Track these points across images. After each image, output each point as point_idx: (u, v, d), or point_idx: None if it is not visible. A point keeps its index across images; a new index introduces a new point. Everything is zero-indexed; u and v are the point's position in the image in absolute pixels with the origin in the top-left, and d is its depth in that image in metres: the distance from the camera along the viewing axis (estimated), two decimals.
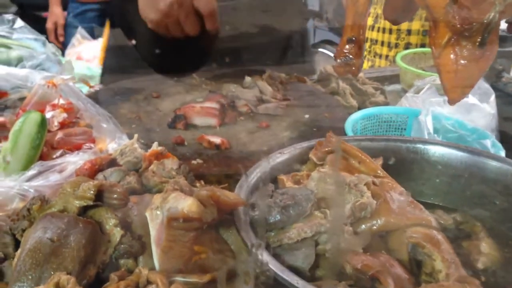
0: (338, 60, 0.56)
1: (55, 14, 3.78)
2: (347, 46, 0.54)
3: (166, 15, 1.29)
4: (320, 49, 5.10)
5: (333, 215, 0.64)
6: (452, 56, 0.49)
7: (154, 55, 1.51)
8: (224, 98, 1.29)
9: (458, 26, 0.46)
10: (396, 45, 2.31)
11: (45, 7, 4.65)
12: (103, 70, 1.64)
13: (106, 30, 1.74)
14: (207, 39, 1.36)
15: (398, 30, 2.28)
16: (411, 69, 1.66)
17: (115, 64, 1.62)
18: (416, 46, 2.23)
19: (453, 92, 0.51)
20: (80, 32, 3.03)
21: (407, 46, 2.26)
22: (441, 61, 0.50)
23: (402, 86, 1.72)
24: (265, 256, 0.56)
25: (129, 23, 1.49)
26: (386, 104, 1.53)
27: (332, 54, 5.52)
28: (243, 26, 1.58)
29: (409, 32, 2.25)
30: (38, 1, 4.70)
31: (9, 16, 1.36)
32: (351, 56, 0.54)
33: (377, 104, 1.51)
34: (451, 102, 0.53)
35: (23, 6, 4.64)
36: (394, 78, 1.80)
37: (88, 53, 2.86)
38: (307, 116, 1.26)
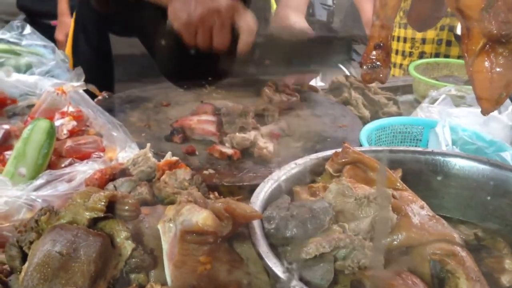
0: (364, 67, 0.53)
1: (66, 24, 3.67)
2: (374, 52, 0.52)
3: (201, 20, 1.22)
4: None
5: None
6: (486, 63, 0.46)
7: (174, 65, 1.48)
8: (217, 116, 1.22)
9: (495, 32, 0.43)
10: (410, 54, 2.29)
11: (54, 15, 4.66)
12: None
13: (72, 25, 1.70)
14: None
15: (413, 39, 2.25)
16: (425, 79, 1.63)
17: (122, 72, 1.60)
18: (431, 55, 2.21)
19: (487, 102, 0.48)
20: None
21: (421, 55, 2.24)
22: (475, 68, 0.47)
23: (415, 97, 1.70)
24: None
25: (147, 31, 1.46)
26: (399, 114, 1.50)
27: (339, 64, 5.52)
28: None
29: (423, 41, 2.22)
30: (47, 9, 4.71)
31: (18, 23, 1.34)
32: (378, 63, 0.51)
33: (390, 114, 1.48)
34: (484, 112, 0.50)
35: (32, 13, 4.64)
36: (406, 88, 1.77)
37: None
38: (320, 126, 1.23)
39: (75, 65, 1.53)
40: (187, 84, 1.46)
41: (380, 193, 0.67)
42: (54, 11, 4.55)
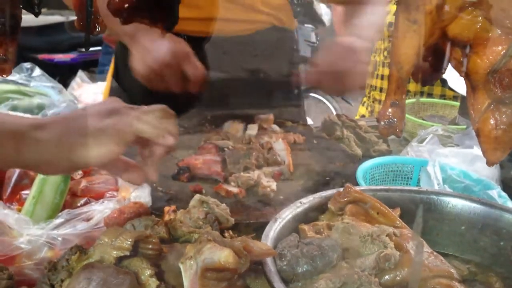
0: (382, 123, 0.59)
1: None
2: (390, 110, 0.58)
3: (153, 72, 1.32)
4: (311, 94, 5.23)
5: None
6: (492, 121, 0.53)
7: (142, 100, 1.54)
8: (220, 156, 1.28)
9: (499, 94, 0.50)
10: None
11: (42, 50, 4.70)
12: None
13: (109, 74, 1.78)
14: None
15: None
16: (413, 118, 1.72)
17: None
18: (415, 94, 2.31)
19: (493, 155, 0.54)
20: (80, 76, 3.09)
21: (406, 93, 2.33)
22: (481, 126, 0.54)
23: (403, 135, 1.77)
24: None
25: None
26: (389, 152, 1.57)
27: (322, 98, 5.61)
28: (233, 70, 1.62)
29: (408, 80, 2.32)
30: (35, 43, 4.76)
31: (27, 65, 1.39)
32: (395, 119, 0.58)
33: (380, 152, 1.55)
34: (490, 164, 0.57)
35: (19, 47, 4.67)
36: None
37: (87, 96, 2.90)
38: (318, 165, 1.29)
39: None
40: (187, 123, 1.51)
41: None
42: (42, 45, 4.60)
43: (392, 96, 0.59)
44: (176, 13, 0.47)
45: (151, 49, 1.32)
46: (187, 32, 1.47)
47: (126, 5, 0.42)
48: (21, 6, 0.41)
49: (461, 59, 0.54)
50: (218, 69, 1.59)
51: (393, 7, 2.42)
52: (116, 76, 1.68)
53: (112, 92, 1.72)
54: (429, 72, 0.64)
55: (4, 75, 0.44)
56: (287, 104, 1.78)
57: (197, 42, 1.51)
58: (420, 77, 0.64)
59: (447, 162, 1.29)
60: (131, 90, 1.59)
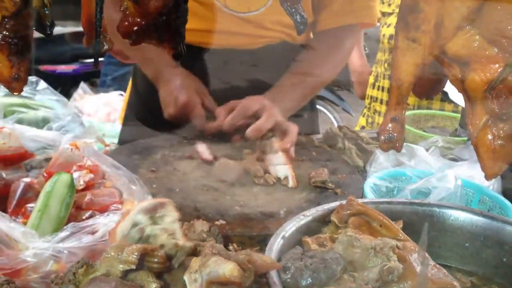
0: (382, 137, 0.61)
1: None
2: (390, 125, 0.60)
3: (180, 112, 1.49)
4: None
5: None
6: (489, 136, 0.54)
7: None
8: None
9: (497, 110, 0.51)
10: None
11: (44, 61, 4.73)
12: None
13: (129, 88, 1.83)
14: None
15: None
16: (414, 130, 1.73)
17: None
18: (414, 107, 2.33)
19: (491, 169, 0.56)
20: (82, 87, 3.11)
21: (406, 108, 2.35)
22: (479, 140, 0.55)
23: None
24: None
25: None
26: None
27: (323, 109, 5.62)
28: (234, 80, 1.64)
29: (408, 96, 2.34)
30: (37, 55, 4.78)
31: (32, 78, 1.41)
32: (395, 134, 0.59)
33: None
34: (488, 178, 0.58)
35: None
36: None
37: (89, 107, 2.92)
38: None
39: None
40: (190, 134, 1.52)
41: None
42: (43, 56, 4.63)
43: (392, 111, 0.60)
44: (182, 34, 0.49)
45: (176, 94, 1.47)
46: (192, 42, 1.50)
47: (135, 28, 0.44)
48: (34, 28, 0.42)
49: (459, 76, 0.56)
50: (223, 79, 1.61)
51: (393, 20, 2.43)
52: (135, 87, 1.74)
53: (131, 104, 1.79)
54: (429, 86, 0.65)
55: (16, 93, 0.45)
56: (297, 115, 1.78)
57: (201, 53, 1.54)
58: (421, 92, 0.65)
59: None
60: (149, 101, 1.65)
